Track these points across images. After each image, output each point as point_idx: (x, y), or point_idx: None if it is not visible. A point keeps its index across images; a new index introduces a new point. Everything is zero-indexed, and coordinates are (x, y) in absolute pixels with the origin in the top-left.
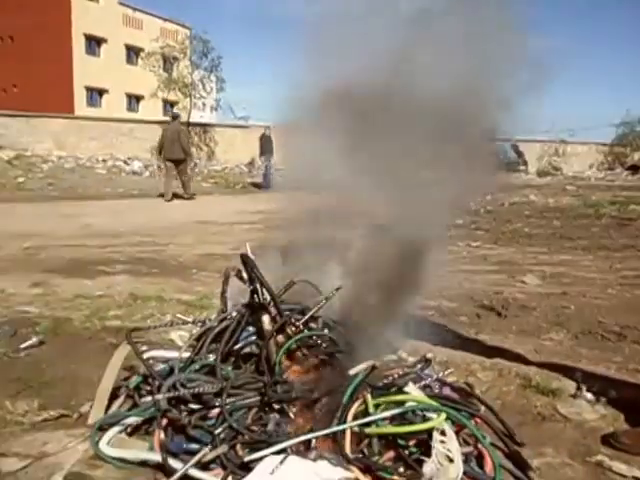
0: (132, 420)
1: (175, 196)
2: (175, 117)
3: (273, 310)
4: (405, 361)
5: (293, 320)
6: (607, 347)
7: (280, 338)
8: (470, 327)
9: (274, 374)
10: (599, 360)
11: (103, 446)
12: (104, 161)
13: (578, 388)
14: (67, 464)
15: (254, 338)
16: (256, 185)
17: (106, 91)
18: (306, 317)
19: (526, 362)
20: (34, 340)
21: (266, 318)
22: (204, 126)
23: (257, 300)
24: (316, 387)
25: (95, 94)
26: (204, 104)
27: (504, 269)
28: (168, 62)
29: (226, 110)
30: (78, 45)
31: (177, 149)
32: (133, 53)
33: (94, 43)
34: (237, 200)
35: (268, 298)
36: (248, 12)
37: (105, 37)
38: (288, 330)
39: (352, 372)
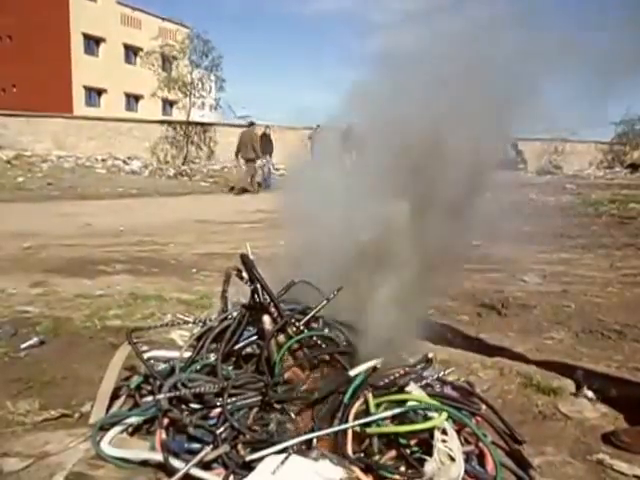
0: (133, 420)
1: (244, 191)
2: (251, 124)
3: (274, 310)
4: (406, 361)
5: (293, 320)
6: (607, 345)
7: (281, 338)
8: (471, 326)
9: (275, 374)
10: (600, 359)
11: (104, 446)
12: (103, 160)
13: (579, 387)
14: (69, 464)
15: (255, 338)
16: (257, 184)
17: (105, 91)
18: (307, 318)
19: (527, 361)
20: (35, 340)
21: (267, 318)
22: (203, 125)
23: (257, 300)
24: (317, 387)
25: (94, 94)
26: (203, 103)
27: (504, 268)
28: (167, 61)
29: (226, 109)
30: (76, 45)
31: (250, 150)
32: (132, 53)
33: (92, 43)
34: (236, 199)
35: (269, 298)
36: (246, 10)
37: (103, 37)
38: (289, 330)
39: (353, 373)
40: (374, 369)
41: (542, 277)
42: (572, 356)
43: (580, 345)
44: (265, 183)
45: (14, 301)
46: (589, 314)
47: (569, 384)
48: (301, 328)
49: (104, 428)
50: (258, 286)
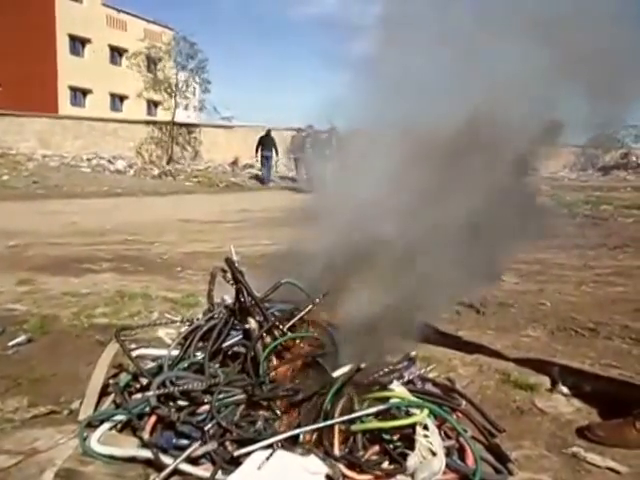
0: (122, 417)
1: None
2: (299, 130)
3: (258, 312)
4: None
5: (277, 323)
6: (581, 343)
7: (267, 339)
8: (450, 324)
9: (260, 374)
10: (574, 355)
11: (93, 443)
12: (89, 160)
13: (554, 383)
14: (58, 460)
15: (240, 338)
16: (259, 179)
17: (90, 91)
18: (291, 322)
19: (505, 358)
20: (22, 338)
21: (252, 320)
22: (188, 126)
23: (242, 301)
24: (302, 387)
25: (79, 94)
26: (187, 105)
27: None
28: (152, 63)
29: (211, 111)
30: (62, 45)
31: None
32: (117, 54)
33: (78, 43)
34: (220, 199)
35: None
36: (229, 12)
37: (89, 38)
38: (275, 332)
39: (336, 374)
40: (358, 369)
41: (519, 276)
42: (548, 353)
43: (555, 342)
44: (266, 176)
45: (1, 299)
46: (564, 312)
47: (545, 380)
48: (285, 331)
49: (92, 425)
50: (242, 287)
